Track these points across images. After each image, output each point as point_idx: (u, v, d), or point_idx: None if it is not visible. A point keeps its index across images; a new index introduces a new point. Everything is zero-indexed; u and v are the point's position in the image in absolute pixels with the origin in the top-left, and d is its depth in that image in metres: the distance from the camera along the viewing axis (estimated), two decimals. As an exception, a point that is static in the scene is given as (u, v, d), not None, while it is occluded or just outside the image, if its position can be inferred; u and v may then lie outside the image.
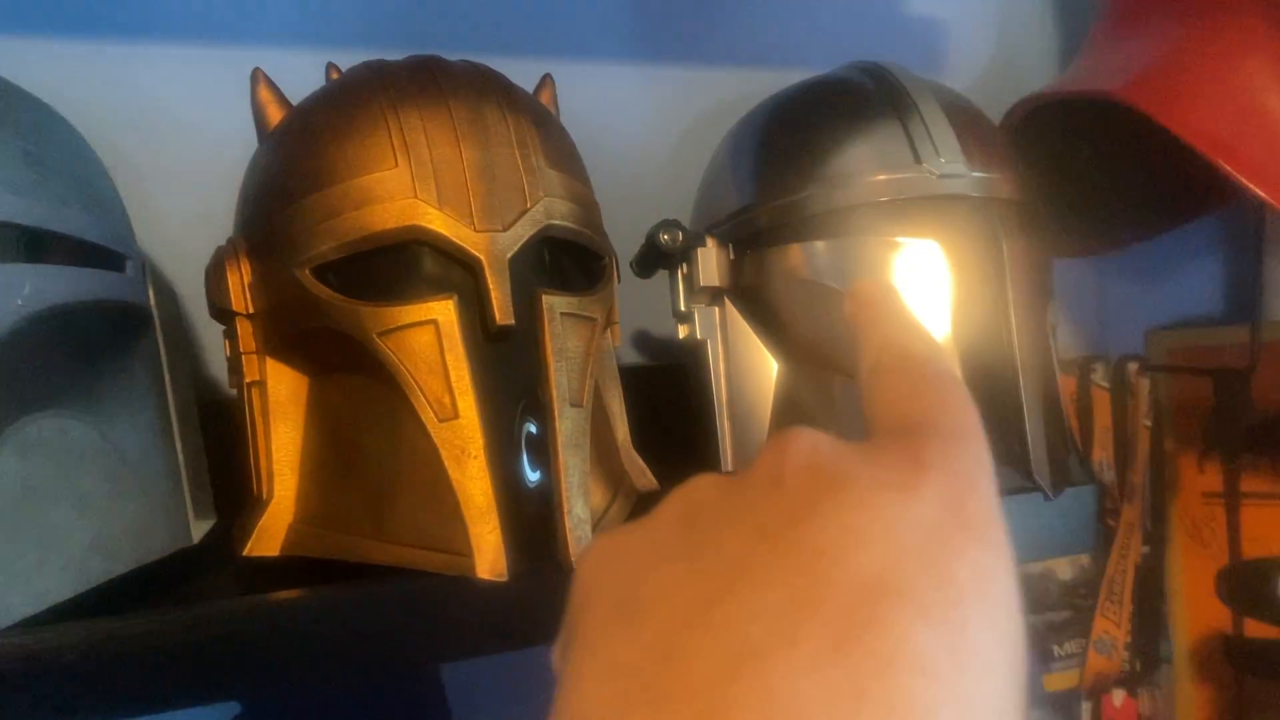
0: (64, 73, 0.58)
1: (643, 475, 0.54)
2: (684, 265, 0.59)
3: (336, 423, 0.47)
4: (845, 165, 0.55)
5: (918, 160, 0.54)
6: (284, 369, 0.49)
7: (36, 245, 0.42)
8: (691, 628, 0.18)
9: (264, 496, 0.48)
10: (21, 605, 0.38)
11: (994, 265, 0.53)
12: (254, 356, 0.49)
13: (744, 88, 0.74)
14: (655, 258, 0.58)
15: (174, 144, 0.62)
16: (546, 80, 0.56)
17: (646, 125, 0.74)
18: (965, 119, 0.57)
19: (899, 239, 0.53)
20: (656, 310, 0.62)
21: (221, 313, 0.50)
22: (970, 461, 0.21)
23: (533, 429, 0.45)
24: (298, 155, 0.47)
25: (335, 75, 0.53)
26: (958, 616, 0.17)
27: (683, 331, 0.60)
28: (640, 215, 0.58)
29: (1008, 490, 0.51)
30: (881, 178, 0.54)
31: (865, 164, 0.55)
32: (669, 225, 0.56)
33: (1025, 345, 0.52)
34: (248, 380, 0.49)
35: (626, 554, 0.21)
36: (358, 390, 0.46)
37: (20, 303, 0.40)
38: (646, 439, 0.55)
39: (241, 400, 0.50)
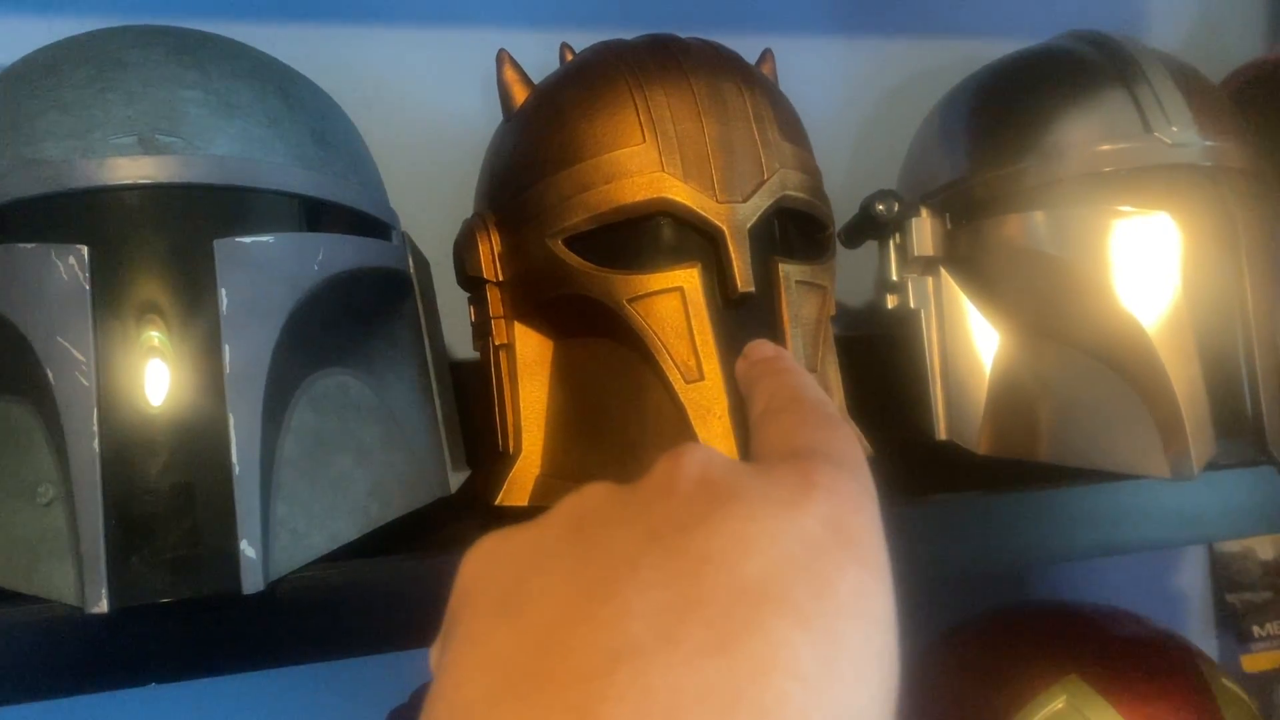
0: (311, 56, 0.62)
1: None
2: (897, 235, 0.60)
3: (582, 382, 0.51)
4: (1067, 135, 0.55)
5: (1148, 129, 0.53)
6: (530, 332, 0.52)
7: (324, 216, 0.46)
8: (573, 623, 0.18)
9: (512, 451, 0.52)
10: (321, 544, 0.43)
11: (1228, 238, 0.52)
12: (502, 321, 0.52)
13: (939, 58, 0.74)
14: (868, 227, 0.59)
15: (410, 123, 0.66)
16: (767, 55, 0.57)
17: (843, 97, 0.75)
18: (1194, 86, 0.56)
19: (1125, 210, 0.53)
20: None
21: (470, 280, 0.53)
22: (856, 486, 0.22)
23: (770, 392, 0.46)
24: (547, 133, 0.50)
25: (569, 55, 0.56)
26: (835, 628, 0.18)
27: (892, 301, 0.61)
28: (837, 187, 0.60)
29: (1239, 463, 0.50)
30: (1106, 147, 0.54)
31: (1089, 133, 0.54)
32: (885, 195, 0.57)
33: (1261, 319, 0.51)
34: (496, 343, 0.52)
35: (513, 551, 0.22)
36: (603, 352, 0.49)
37: (315, 269, 0.44)
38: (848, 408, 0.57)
39: (486, 362, 0.54)
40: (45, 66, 0.44)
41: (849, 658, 0.18)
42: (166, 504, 0.39)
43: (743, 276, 0.46)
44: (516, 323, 0.52)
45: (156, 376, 0.40)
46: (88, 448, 0.38)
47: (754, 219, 0.47)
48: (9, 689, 0.39)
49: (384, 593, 0.44)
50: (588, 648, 0.17)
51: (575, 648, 0.17)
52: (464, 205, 0.56)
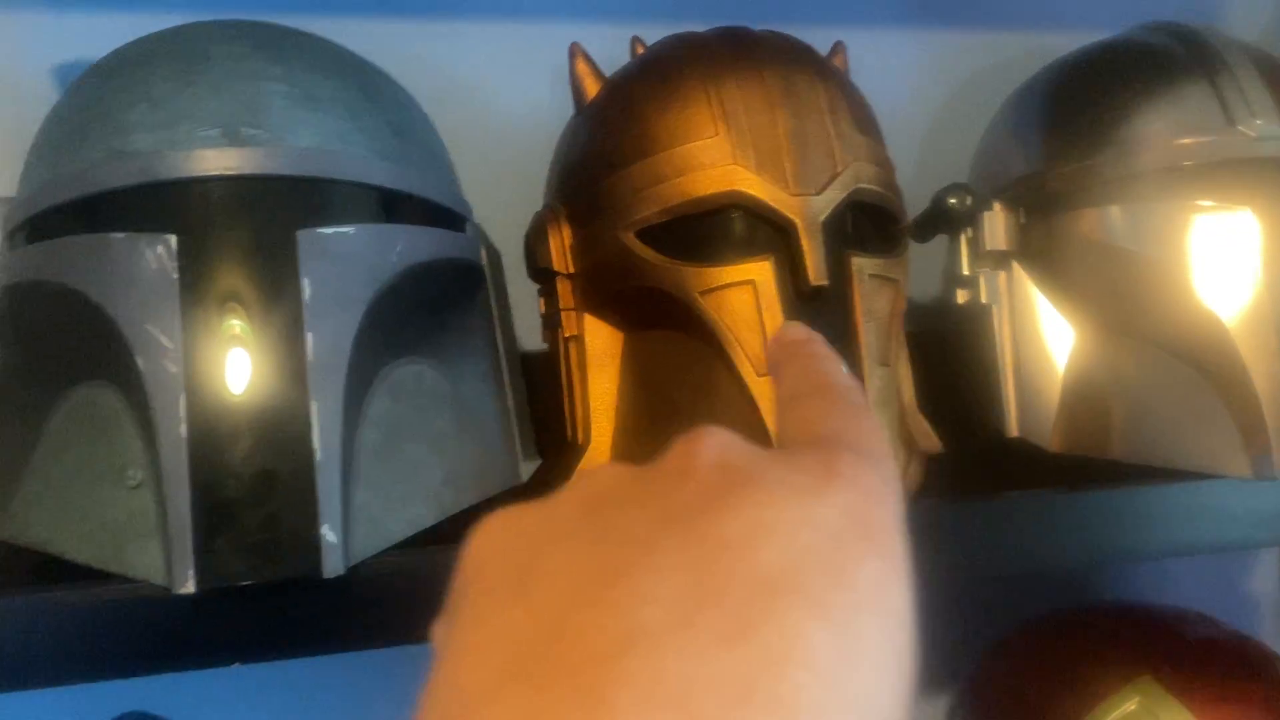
0: (382, 50, 0.63)
1: (927, 437, 0.55)
2: (969, 229, 0.59)
3: (651, 374, 0.51)
4: (1146, 128, 0.54)
5: (1230, 122, 0.52)
6: (600, 324, 0.52)
7: (401, 207, 0.47)
8: (586, 605, 0.17)
9: (581, 441, 0.52)
10: (398, 530, 0.43)
11: (1315, 233, 0.51)
12: (572, 313, 0.53)
13: (1008, 51, 0.73)
14: (940, 221, 0.58)
15: (479, 116, 0.66)
16: (839, 47, 0.57)
17: (912, 91, 0.74)
18: (1279, 77, 0.54)
19: (1206, 205, 0.51)
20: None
21: (541, 272, 0.54)
22: (878, 477, 0.21)
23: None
24: (620, 126, 0.50)
25: (640, 49, 0.56)
26: (852, 620, 0.18)
27: (963, 296, 0.60)
28: (905, 181, 0.59)
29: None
30: (1187, 141, 0.53)
31: (1169, 126, 0.53)
32: (958, 188, 0.57)
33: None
34: (566, 335, 0.53)
35: (523, 529, 0.21)
36: (674, 345, 0.49)
37: (394, 260, 0.45)
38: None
39: (555, 353, 0.55)
40: (134, 60, 0.45)
41: (865, 651, 0.18)
42: (250, 489, 0.40)
43: (816, 270, 0.45)
44: (586, 315, 0.52)
45: (240, 364, 0.41)
46: (176, 433, 0.39)
47: (827, 212, 0.46)
48: (98, 666, 0.40)
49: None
50: (599, 631, 0.17)
51: (586, 630, 0.17)
52: (532, 198, 0.57)
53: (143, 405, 0.40)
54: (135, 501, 0.41)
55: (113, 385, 0.42)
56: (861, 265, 0.47)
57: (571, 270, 0.52)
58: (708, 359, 0.47)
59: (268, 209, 0.42)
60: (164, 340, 0.40)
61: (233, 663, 0.41)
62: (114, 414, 0.42)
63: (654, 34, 0.55)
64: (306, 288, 0.41)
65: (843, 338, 0.46)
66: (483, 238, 0.54)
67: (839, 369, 0.27)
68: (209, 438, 0.40)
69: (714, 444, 0.21)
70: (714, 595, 0.17)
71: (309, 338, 0.41)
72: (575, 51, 0.55)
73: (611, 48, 0.57)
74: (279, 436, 0.40)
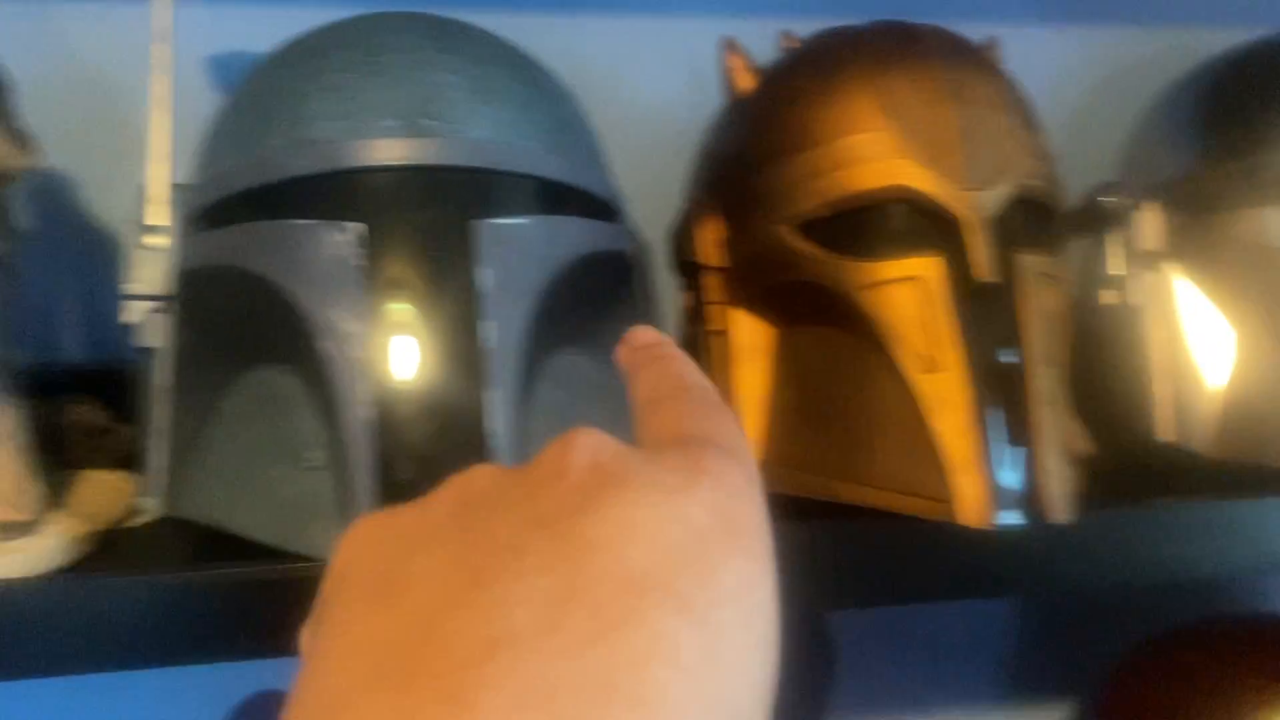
0: (523, 44, 0.64)
1: (1081, 439, 0.54)
2: (1118, 228, 0.58)
3: (805, 370, 0.50)
4: (1314, 126, 0.52)
5: None
6: (749, 319, 0.52)
7: (566, 199, 0.47)
8: (453, 609, 0.17)
9: (727, 436, 0.52)
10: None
11: None
12: (720, 307, 0.53)
13: (1153, 47, 0.72)
14: (1091, 219, 0.57)
15: (618, 109, 0.66)
16: (993, 42, 0.56)
17: (1054, 87, 0.73)
18: None
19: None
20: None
21: (686, 266, 0.54)
22: (743, 475, 0.21)
23: (1007, 386, 0.46)
24: (778, 118, 0.50)
25: (790, 43, 0.55)
26: (717, 617, 0.18)
27: (1109, 297, 0.59)
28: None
29: None
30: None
31: (1340, 124, 0.52)
32: (1111, 186, 0.56)
33: None
34: (713, 329, 0.53)
35: (392, 534, 0.21)
36: (831, 341, 0.49)
37: (562, 251, 0.45)
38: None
39: (696, 347, 0.55)
40: (312, 51, 0.46)
41: (730, 647, 0.18)
42: (428, 473, 0.40)
43: (985, 267, 0.45)
44: (735, 309, 0.52)
45: (419, 350, 0.41)
46: (357, 416, 0.40)
47: (996, 207, 0.46)
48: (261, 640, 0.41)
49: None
50: (466, 634, 0.17)
51: (453, 634, 0.17)
52: (666, 192, 0.57)
53: (323, 389, 0.41)
54: (313, 482, 0.42)
55: (291, 368, 0.43)
56: (1030, 263, 0.46)
57: (721, 264, 0.52)
58: (868, 356, 0.47)
59: (445, 199, 0.43)
60: (346, 325, 0.41)
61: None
62: (291, 396, 0.43)
63: (798, 29, 0.55)
64: (483, 277, 0.42)
65: (1011, 336, 0.46)
66: (632, 230, 0.54)
67: (693, 369, 0.27)
68: (388, 422, 0.40)
69: (586, 445, 0.21)
70: (581, 596, 0.17)
71: (485, 326, 0.41)
72: (727, 44, 0.54)
73: (751, 43, 0.57)
74: (455, 422, 0.41)
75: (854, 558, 0.47)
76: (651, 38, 0.67)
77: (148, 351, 0.47)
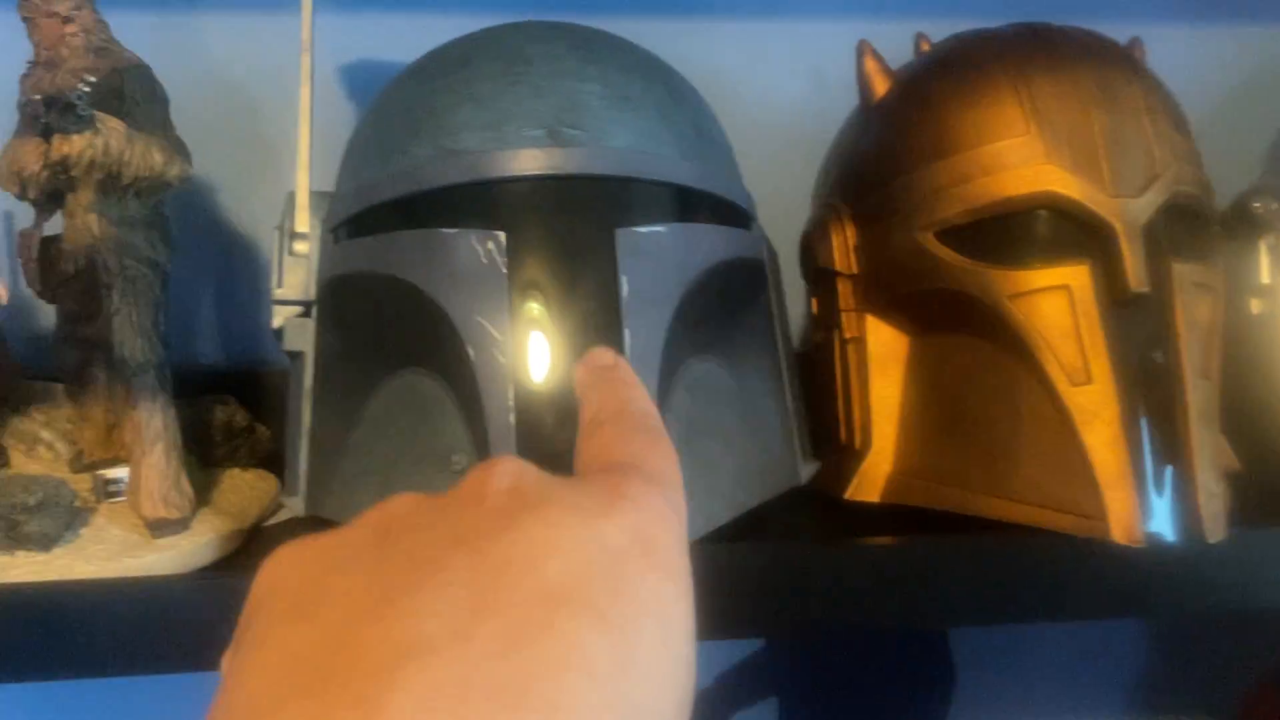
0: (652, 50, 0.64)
1: (1227, 455, 0.52)
2: (1270, 236, 0.55)
3: (943, 380, 0.50)
4: None
5: None
6: (883, 326, 0.52)
7: (703, 206, 0.47)
8: (368, 620, 0.18)
9: (858, 445, 0.52)
10: (700, 526, 0.43)
11: None
12: (853, 314, 0.52)
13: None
14: (1242, 226, 0.55)
15: (741, 115, 0.66)
16: (1136, 43, 0.54)
17: (1193, 89, 0.70)
18: None
19: None
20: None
21: (819, 272, 0.53)
22: (664, 501, 0.22)
23: (1159, 399, 0.44)
24: (917, 123, 0.49)
25: (925, 46, 0.54)
26: (631, 629, 0.18)
27: (1259, 305, 0.56)
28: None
29: None
30: None
31: None
32: (1262, 193, 0.53)
33: None
34: (846, 336, 0.52)
35: (312, 556, 0.21)
36: (971, 350, 0.48)
37: (700, 258, 0.45)
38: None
39: (828, 355, 0.54)
40: (455, 61, 0.47)
41: (644, 658, 0.18)
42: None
43: (1137, 276, 0.43)
44: (868, 316, 0.52)
45: (561, 356, 0.42)
46: (505, 421, 0.40)
47: (1148, 215, 0.44)
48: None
49: (762, 577, 0.44)
50: (379, 644, 0.17)
51: (366, 644, 0.17)
52: (791, 196, 0.56)
53: (469, 393, 0.42)
54: (458, 487, 0.42)
55: (436, 372, 0.44)
56: (1182, 272, 0.45)
57: (855, 270, 0.51)
58: (1011, 366, 0.46)
59: (587, 207, 0.43)
60: (494, 331, 0.41)
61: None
62: (436, 400, 0.44)
63: (928, 32, 0.54)
64: (624, 285, 0.42)
65: (1162, 348, 0.44)
66: (763, 236, 0.53)
67: (641, 395, 0.28)
68: (535, 426, 0.41)
69: (507, 471, 0.22)
70: (495, 607, 0.17)
71: (626, 334, 0.41)
72: (863, 48, 0.54)
73: (877, 46, 0.56)
74: (597, 429, 0.41)
75: (993, 573, 0.46)
76: (775, 42, 0.67)
77: (293, 355, 0.49)
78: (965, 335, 0.48)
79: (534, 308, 0.42)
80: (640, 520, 0.21)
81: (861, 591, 0.44)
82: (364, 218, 0.46)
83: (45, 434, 0.54)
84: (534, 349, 0.41)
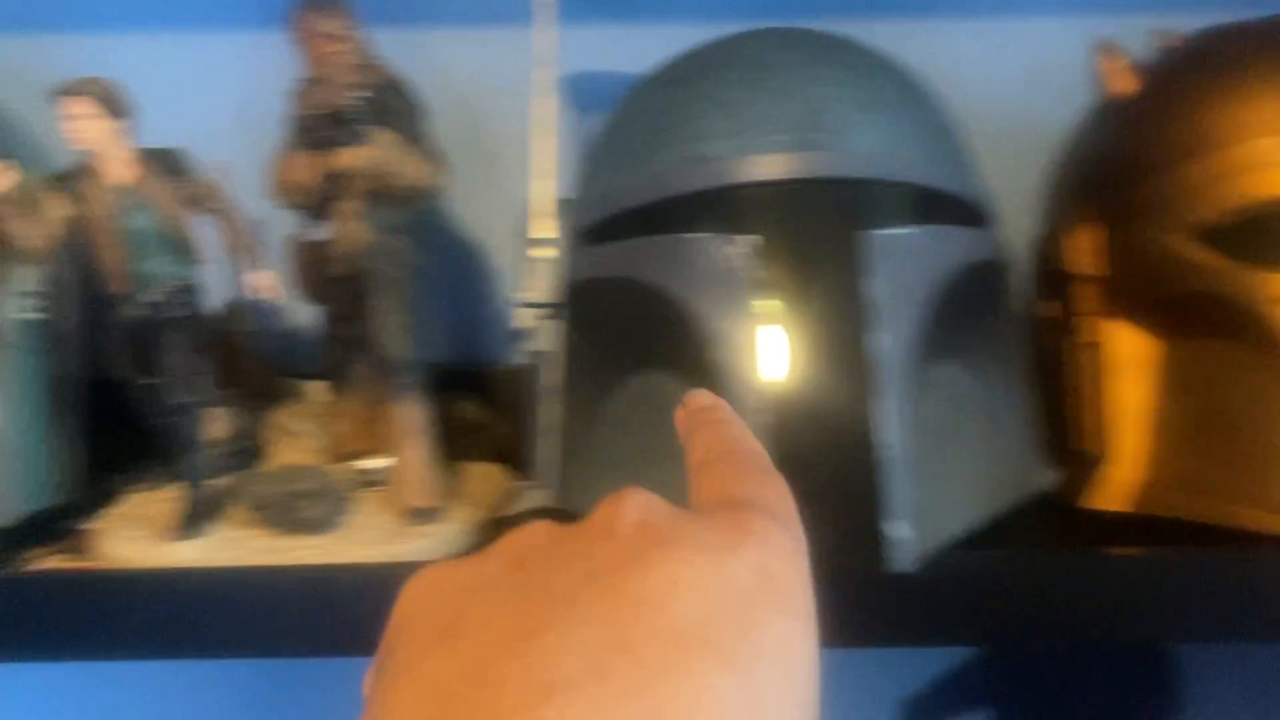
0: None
1: None
2: None
3: (1197, 386, 0.48)
4: None
5: None
6: (1124, 330, 0.50)
7: (946, 207, 0.47)
8: (509, 655, 0.18)
9: (1096, 452, 0.50)
10: (950, 530, 0.43)
11: None
12: (1093, 319, 0.51)
13: None
14: None
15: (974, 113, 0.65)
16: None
17: None
18: None
19: None
20: None
21: (1053, 275, 0.52)
22: (788, 539, 0.22)
23: None
24: (1169, 121, 0.48)
25: (1163, 42, 0.52)
26: (758, 671, 0.18)
27: None
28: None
29: None
30: None
31: None
32: None
33: None
34: (1083, 340, 0.51)
35: (452, 584, 0.21)
36: (1230, 356, 0.46)
37: (948, 261, 0.45)
38: None
39: (1058, 359, 0.53)
40: (698, 69, 0.48)
41: (771, 701, 0.18)
42: (822, 482, 0.41)
43: None
44: (1111, 320, 0.50)
45: (808, 360, 0.42)
46: (754, 423, 0.41)
47: None
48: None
49: (1000, 584, 0.44)
50: (521, 679, 0.17)
51: (509, 679, 0.17)
52: (1010, 196, 0.55)
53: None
54: (706, 485, 0.43)
55: (681, 375, 0.45)
56: None
57: (1096, 274, 0.50)
58: (1273, 372, 0.44)
59: (833, 211, 0.43)
60: (737, 335, 0.42)
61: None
62: (677, 402, 0.45)
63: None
64: (873, 288, 0.42)
65: None
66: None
67: (746, 433, 0.28)
68: (778, 430, 0.41)
69: (636, 505, 0.22)
70: (629, 647, 0.18)
71: (875, 338, 0.42)
72: (1104, 46, 0.52)
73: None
74: (845, 434, 0.41)
75: (1246, 586, 0.44)
76: (994, 39, 0.66)
77: (536, 355, 0.51)
78: (1220, 340, 0.46)
79: (779, 312, 0.42)
80: (766, 557, 0.21)
81: (1102, 603, 0.43)
82: (609, 224, 0.48)
83: (301, 427, 0.59)
84: (779, 353, 0.42)
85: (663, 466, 0.45)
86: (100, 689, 0.78)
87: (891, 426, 0.41)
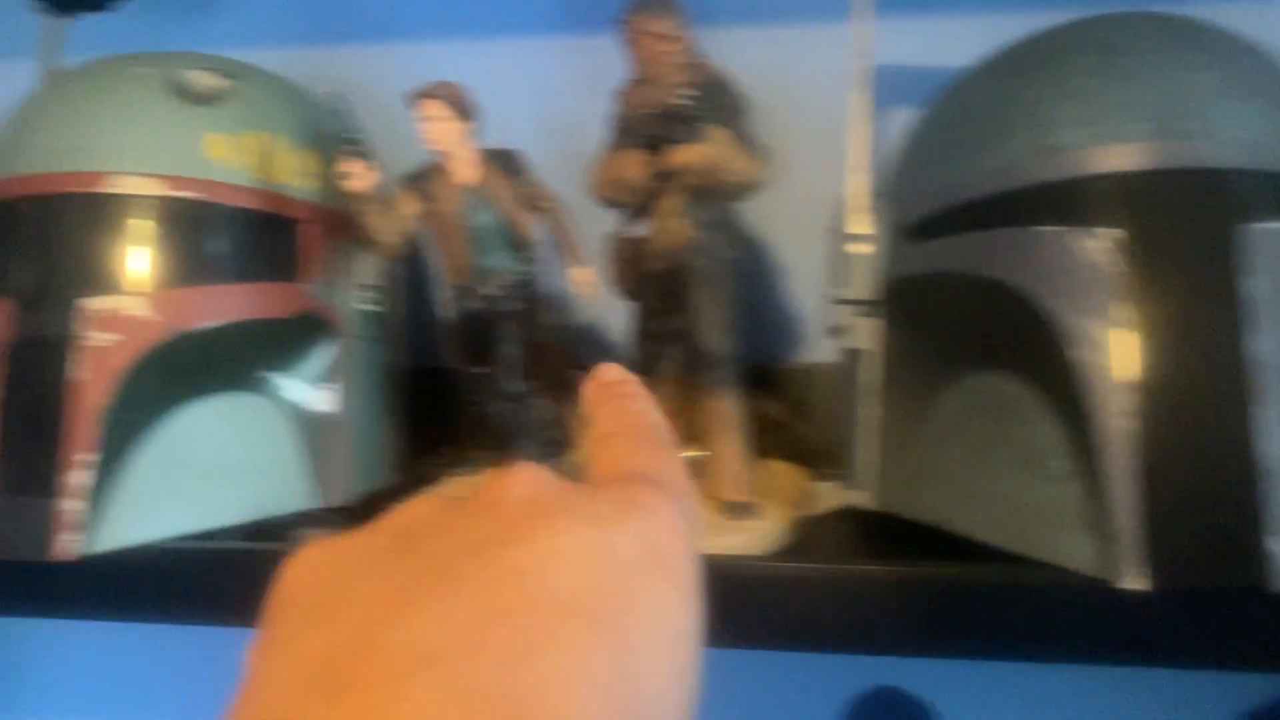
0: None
1: None
2: None
3: None
4: None
5: None
6: None
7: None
8: (386, 625, 0.18)
9: None
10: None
11: None
12: None
13: None
14: None
15: None
16: None
17: None
18: None
19: None
20: None
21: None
22: (676, 512, 0.22)
23: None
24: None
25: None
26: (636, 640, 0.19)
27: None
28: None
29: None
30: None
31: None
32: None
33: None
34: None
35: (336, 558, 0.21)
36: None
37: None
38: None
39: None
40: (1044, 56, 0.46)
41: (649, 669, 0.19)
42: (1195, 490, 0.39)
43: None
44: None
45: (1178, 361, 0.40)
46: (1118, 428, 0.39)
47: None
48: (1028, 647, 0.42)
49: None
50: (397, 649, 0.17)
51: (385, 648, 0.17)
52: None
53: (1071, 397, 0.41)
54: (1055, 491, 0.42)
55: (1027, 374, 0.44)
56: None
57: None
58: None
59: (1204, 204, 0.41)
60: (1100, 333, 0.40)
61: (1169, 663, 0.40)
62: (1023, 402, 0.44)
63: None
64: (1252, 286, 0.39)
65: None
66: None
67: (650, 409, 0.28)
68: (1147, 434, 0.39)
69: (524, 479, 0.22)
70: (506, 617, 0.18)
71: (1255, 339, 0.39)
72: None
73: None
74: (1220, 439, 0.39)
75: None
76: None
77: (852, 353, 0.50)
78: None
79: (1145, 309, 0.40)
80: (651, 529, 0.21)
81: None
82: (940, 218, 0.46)
83: (606, 418, 0.60)
84: (1145, 353, 0.40)
85: (1008, 471, 0.43)
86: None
87: (1273, 435, 0.38)
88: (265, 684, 0.19)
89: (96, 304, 0.47)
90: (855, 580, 0.44)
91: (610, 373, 0.30)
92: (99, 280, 0.48)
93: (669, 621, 0.20)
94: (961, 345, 0.46)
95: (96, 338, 0.46)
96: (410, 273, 0.62)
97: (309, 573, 0.21)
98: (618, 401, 0.28)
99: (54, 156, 0.49)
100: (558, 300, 0.59)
